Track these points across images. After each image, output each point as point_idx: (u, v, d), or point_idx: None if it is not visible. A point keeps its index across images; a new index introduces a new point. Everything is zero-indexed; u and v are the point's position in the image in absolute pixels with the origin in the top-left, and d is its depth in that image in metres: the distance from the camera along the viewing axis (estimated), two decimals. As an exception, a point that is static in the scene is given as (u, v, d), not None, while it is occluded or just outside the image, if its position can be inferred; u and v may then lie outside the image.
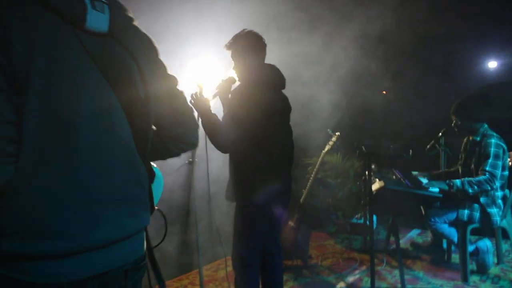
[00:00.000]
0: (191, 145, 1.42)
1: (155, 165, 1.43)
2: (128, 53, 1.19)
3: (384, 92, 7.08)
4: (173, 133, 1.35)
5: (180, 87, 1.39)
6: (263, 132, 2.48)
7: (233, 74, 2.69)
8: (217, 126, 2.47)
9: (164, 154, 1.41)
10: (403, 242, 4.69)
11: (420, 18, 5.21)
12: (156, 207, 1.37)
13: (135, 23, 1.28)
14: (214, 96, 2.68)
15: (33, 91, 1.01)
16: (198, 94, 2.52)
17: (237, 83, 2.67)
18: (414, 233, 5.08)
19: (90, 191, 1.09)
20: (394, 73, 6.04)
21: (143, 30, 1.30)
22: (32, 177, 1.02)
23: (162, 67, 1.34)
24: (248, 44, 2.61)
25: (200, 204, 3.17)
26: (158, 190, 1.42)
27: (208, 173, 3.02)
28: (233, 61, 2.67)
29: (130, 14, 1.26)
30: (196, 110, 2.47)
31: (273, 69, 2.68)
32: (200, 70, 3.16)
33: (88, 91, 1.10)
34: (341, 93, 5.49)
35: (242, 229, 2.61)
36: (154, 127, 1.32)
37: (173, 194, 3.75)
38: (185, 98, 1.39)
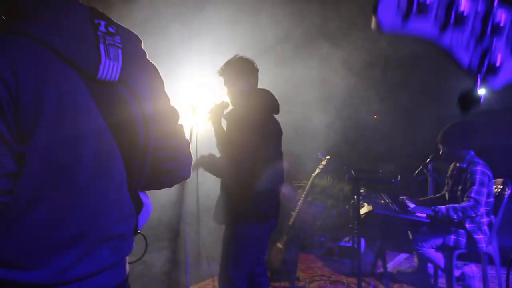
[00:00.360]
0: (184, 178, 1.44)
1: (144, 193, 1.45)
2: (134, 98, 1.20)
3: (376, 116, 7.19)
4: (167, 167, 1.36)
5: (180, 120, 1.39)
6: (258, 155, 2.52)
7: (226, 98, 2.75)
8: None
9: (157, 186, 1.42)
10: (391, 266, 4.71)
11: (409, 41, 5.35)
12: (139, 231, 1.39)
13: (146, 57, 1.28)
14: (207, 120, 2.74)
15: (38, 138, 1.03)
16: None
17: (230, 107, 2.73)
18: (401, 257, 5.11)
19: (79, 232, 1.11)
20: (384, 97, 6.15)
21: (152, 63, 1.31)
22: (25, 214, 1.05)
23: (166, 102, 1.34)
24: (240, 70, 2.67)
25: (190, 223, 3.19)
26: (144, 218, 1.43)
27: (198, 193, 3.05)
28: (225, 87, 2.72)
29: (142, 48, 1.27)
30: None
31: (268, 94, 2.74)
32: (194, 92, 3.23)
33: (90, 135, 1.11)
34: (332, 117, 5.59)
35: (232, 250, 2.63)
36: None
37: (163, 212, 3.76)
38: (183, 132, 1.40)
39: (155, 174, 1.35)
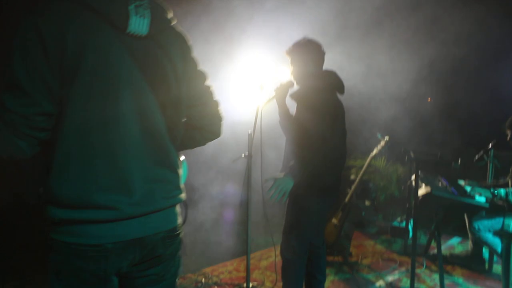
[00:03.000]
0: (215, 134, 1.62)
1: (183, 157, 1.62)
2: (164, 53, 1.37)
3: (429, 99, 7.07)
4: (200, 123, 1.55)
5: (208, 82, 1.56)
6: (326, 134, 2.65)
7: (291, 78, 2.86)
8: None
9: (191, 143, 1.61)
10: (444, 248, 4.74)
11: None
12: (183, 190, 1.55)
13: (173, 23, 1.45)
14: (272, 98, 2.88)
15: (80, 85, 1.21)
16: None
17: (295, 87, 2.85)
18: (455, 241, 5.12)
19: (128, 170, 1.29)
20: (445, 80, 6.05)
21: (179, 30, 1.47)
22: (76, 156, 1.23)
23: (194, 64, 1.51)
24: (307, 51, 2.77)
25: (253, 195, 3.38)
26: (183, 177, 1.60)
27: (262, 165, 3.21)
28: (291, 67, 2.84)
29: (170, 15, 1.43)
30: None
31: (334, 74, 2.84)
32: (260, 71, 3.36)
33: (128, 85, 1.29)
34: (392, 98, 5.58)
35: (295, 220, 2.81)
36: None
37: (229, 185, 3.98)
38: (212, 92, 1.57)
39: (189, 131, 1.54)
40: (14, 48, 1.19)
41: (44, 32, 1.17)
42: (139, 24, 1.29)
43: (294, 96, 2.80)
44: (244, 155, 3.50)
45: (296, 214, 2.80)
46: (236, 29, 3.85)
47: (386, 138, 4.24)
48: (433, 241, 4.26)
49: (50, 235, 1.27)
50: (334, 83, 2.81)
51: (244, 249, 3.93)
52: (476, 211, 3.57)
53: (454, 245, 4.96)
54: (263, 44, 3.62)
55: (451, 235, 5.24)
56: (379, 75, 5.07)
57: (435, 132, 6.41)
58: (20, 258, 3.94)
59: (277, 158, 3.06)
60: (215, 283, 3.62)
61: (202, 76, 1.54)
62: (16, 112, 1.18)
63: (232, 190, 4.18)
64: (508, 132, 3.63)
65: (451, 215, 4.54)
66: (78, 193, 1.23)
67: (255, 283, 3.62)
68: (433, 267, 4.12)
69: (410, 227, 4.71)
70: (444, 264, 4.20)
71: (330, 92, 2.76)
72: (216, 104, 1.58)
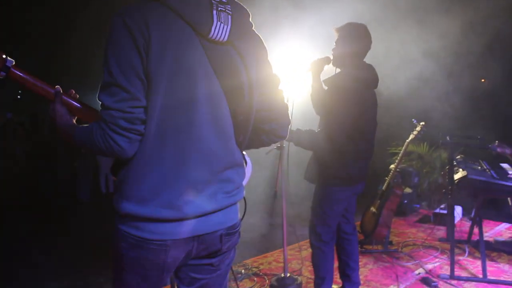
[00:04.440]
0: (282, 138, 1.65)
1: (244, 153, 1.69)
2: (241, 59, 1.41)
3: (483, 80, 6.82)
4: (268, 127, 1.56)
5: (280, 86, 1.58)
6: (353, 125, 2.68)
7: (330, 56, 2.85)
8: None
9: (257, 144, 1.64)
10: (490, 235, 4.61)
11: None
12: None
13: (253, 28, 1.49)
14: (308, 70, 2.86)
15: (161, 81, 1.27)
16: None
17: (331, 65, 2.85)
18: (502, 227, 4.95)
19: (195, 172, 1.35)
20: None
21: (257, 35, 1.51)
22: (151, 155, 1.31)
23: (269, 69, 1.54)
24: (357, 34, 2.75)
25: (287, 187, 3.43)
26: (246, 175, 1.66)
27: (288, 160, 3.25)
28: (335, 44, 2.81)
29: (250, 20, 1.48)
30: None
31: (371, 68, 2.84)
32: (294, 57, 3.35)
33: (204, 89, 1.35)
34: (432, 81, 5.45)
35: (320, 209, 2.87)
36: None
37: (263, 178, 4.05)
38: (283, 97, 1.59)
39: (257, 133, 1.57)
40: (107, 46, 1.27)
41: (133, 29, 1.24)
42: (220, 31, 1.33)
43: (327, 82, 2.80)
44: (277, 147, 3.56)
45: (319, 202, 2.85)
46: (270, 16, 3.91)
47: (422, 123, 4.16)
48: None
49: (117, 224, 1.37)
50: (368, 77, 2.80)
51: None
52: (518, 194, 3.45)
53: (501, 231, 4.80)
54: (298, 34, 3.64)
55: (499, 221, 5.06)
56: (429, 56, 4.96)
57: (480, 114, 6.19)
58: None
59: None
60: (255, 274, 3.70)
61: (276, 80, 1.57)
62: (114, 109, 1.25)
63: (267, 182, 4.25)
64: None
65: (494, 200, 4.40)
66: (148, 191, 1.31)
67: (293, 273, 3.68)
68: (477, 254, 4.01)
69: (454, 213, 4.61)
70: (490, 250, 4.09)
71: (361, 84, 2.75)
72: (286, 108, 1.59)
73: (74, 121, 1.45)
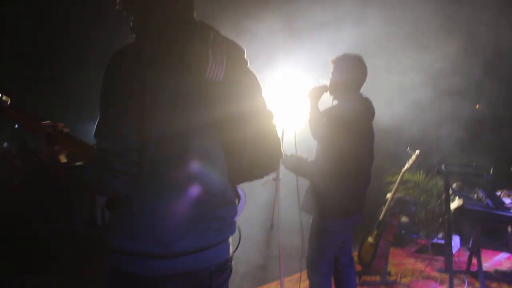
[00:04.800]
0: (274, 170, 1.68)
1: (239, 187, 1.70)
2: (236, 98, 1.44)
3: (478, 105, 6.87)
4: (261, 160, 1.57)
5: (273, 121, 1.60)
6: (350, 156, 2.69)
7: (327, 84, 2.87)
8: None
9: (250, 177, 1.64)
10: (489, 265, 4.56)
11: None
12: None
13: (248, 66, 1.52)
14: (306, 96, 2.88)
15: (156, 119, 1.29)
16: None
17: (328, 95, 2.88)
18: (502, 257, 4.90)
19: (187, 209, 1.36)
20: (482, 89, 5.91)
21: (252, 72, 1.53)
22: (145, 195, 1.32)
23: (262, 103, 1.56)
24: (353, 66, 2.79)
25: (283, 219, 3.41)
26: (240, 209, 1.67)
27: (298, 189, 3.24)
28: (332, 75, 2.84)
29: (245, 57, 1.50)
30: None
31: (367, 101, 2.87)
32: (289, 90, 3.39)
33: (197, 128, 1.37)
34: (427, 110, 5.50)
35: (316, 241, 2.85)
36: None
37: (258, 209, 4.02)
38: (276, 131, 1.61)
39: (250, 167, 1.57)
40: (102, 88, 1.29)
41: (128, 71, 1.27)
42: (215, 72, 1.36)
43: (325, 112, 2.82)
44: (273, 178, 3.55)
45: (316, 233, 2.83)
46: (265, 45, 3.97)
47: (417, 152, 4.17)
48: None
49: (110, 258, 1.38)
50: (365, 109, 2.83)
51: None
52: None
53: (501, 261, 4.75)
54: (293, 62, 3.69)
55: (499, 250, 5.02)
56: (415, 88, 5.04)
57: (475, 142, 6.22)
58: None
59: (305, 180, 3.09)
60: (251, 307, 3.65)
61: (269, 115, 1.59)
62: (108, 150, 1.27)
63: (263, 213, 4.23)
64: None
65: (490, 228, 4.38)
66: (140, 227, 1.32)
67: (290, 306, 3.62)
68: (477, 284, 3.96)
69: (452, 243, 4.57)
70: (490, 281, 4.04)
71: (359, 116, 2.78)
72: (278, 141, 1.62)
73: (64, 156, 1.47)
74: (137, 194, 1.32)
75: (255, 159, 1.56)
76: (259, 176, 1.64)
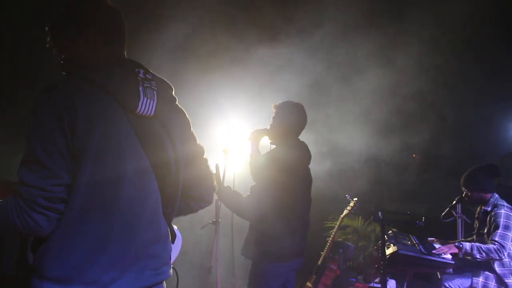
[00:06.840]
0: (209, 203, 1.71)
1: (175, 227, 1.69)
2: (166, 133, 1.46)
3: (414, 155, 7.22)
4: (195, 193, 1.63)
5: (205, 154, 1.66)
6: (285, 200, 2.72)
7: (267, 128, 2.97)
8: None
9: (186, 211, 1.67)
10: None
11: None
12: (171, 265, 1.60)
13: (176, 102, 1.56)
14: (248, 139, 2.99)
15: (88, 158, 1.27)
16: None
17: (267, 139, 2.98)
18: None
19: (121, 248, 1.32)
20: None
21: (180, 108, 1.59)
22: (76, 232, 1.26)
23: (193, 139, 1.61)
24: (295, 115, 2.90)
25: (222, 262, 3.37)
26: (176, 250, 1.66)
27: (232, 229, 3.22)
28: (273, 120, 2.93)
29: (173, 94, 1.55)
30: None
31: (304, 146, 2.96)
32: (227, 135, 3.48)
33: (132, 166, 1.36)
34: (365, 159, 5.71)
35: (255, 285, 2.80)
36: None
37: (196, 252, 3.95)
38: (208, 164, 1.66)
39: (185, 200, 1.61)
40: (30, 124, 1.25)
41: (58, 108, 1.23)
42: (147, 106, 1.39)
43: (264, 157, 2.87)
44: (212, 221, 3.53)
45: (255, 278, 2.80)
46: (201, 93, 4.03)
47: (355, 199, 4.31)
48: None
49: None
50: (301, 154, 2.91)
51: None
52: (444, 268, 3.57)
53: (433, 304, 4.89)
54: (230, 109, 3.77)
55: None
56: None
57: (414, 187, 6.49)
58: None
59: (246, 222, 3.09)
60: None
61: (200, 150, 1.64)
62: (34, 186, 1.21)
63: (201, 256, 4.15)
64: (463, 189, 3.74)
65: (422, 273, 4.52)
66: (71, 269, 1.25)
67: None
68: (411, 329, 4.04)
69: (388, 288, 4.67)
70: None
71: (296, 161, 2.84)
72: (211, 174, 1.67)
73: None
74: (68, 233, 1.26)
75: (189, 192, 1.60)
76: (195, 209, 1.68)
